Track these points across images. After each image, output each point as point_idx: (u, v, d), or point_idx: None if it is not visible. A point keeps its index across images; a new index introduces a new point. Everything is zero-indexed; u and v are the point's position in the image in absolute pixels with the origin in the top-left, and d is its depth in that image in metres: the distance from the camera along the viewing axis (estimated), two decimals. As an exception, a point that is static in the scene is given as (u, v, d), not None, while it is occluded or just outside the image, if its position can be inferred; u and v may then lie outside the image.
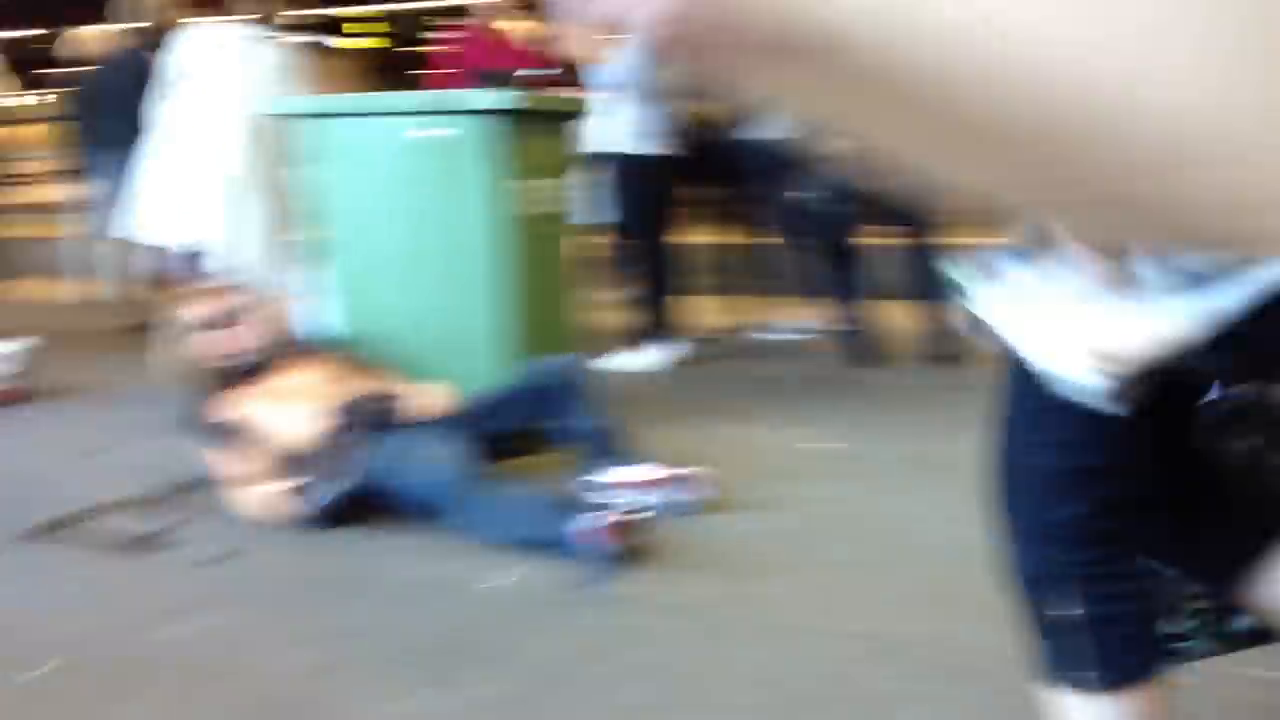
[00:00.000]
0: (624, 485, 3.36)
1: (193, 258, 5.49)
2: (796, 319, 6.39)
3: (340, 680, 2.37)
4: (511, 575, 2.92)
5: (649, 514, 3.16)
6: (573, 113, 4.36)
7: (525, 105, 3.87)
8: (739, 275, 6.87)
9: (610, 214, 5.52)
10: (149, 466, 3.96)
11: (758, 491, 3.56)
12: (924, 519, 3.31)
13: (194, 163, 5.36)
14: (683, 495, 3.36)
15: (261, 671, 2.42)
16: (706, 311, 6.84)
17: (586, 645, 2.52)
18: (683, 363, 5.70)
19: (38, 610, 2.77)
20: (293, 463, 3.50)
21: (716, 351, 6.15)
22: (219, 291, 3.82)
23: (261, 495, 3.39)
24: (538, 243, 4.05)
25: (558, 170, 4.24)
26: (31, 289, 8.92)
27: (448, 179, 3.85)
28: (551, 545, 3.02)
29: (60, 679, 2.39)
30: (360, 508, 3.34)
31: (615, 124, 5.27)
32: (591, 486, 3.41)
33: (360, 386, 3.69)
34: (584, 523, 2.98)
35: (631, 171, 5.35)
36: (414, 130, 3.81)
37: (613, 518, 2.94)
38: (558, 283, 4.27)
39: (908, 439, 4.20)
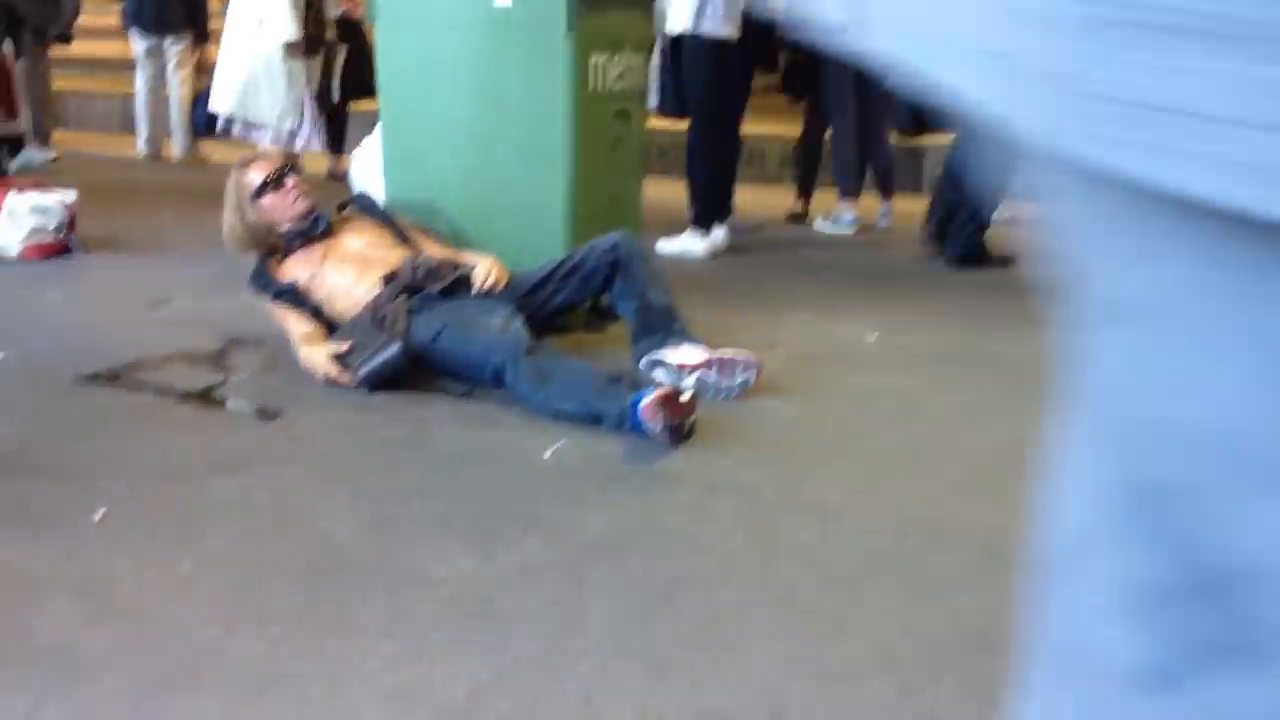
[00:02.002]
0: (678, 364, 3.36)
1: (248, 123, 5.50)
2: (852, 210, 6.33)
3: (396, 538, 2.40)
4: (560, 446, 2.94)
5: (700, 394, 3.17)
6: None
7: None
8: (798, 164, 6.79)
9: (678, 95, 5.45)
10: (206, 321, 4.00)
11: (808, 378, 3.56)
12: (978, 412, 3.31)
13: (248, 29, 5.35)
14: (733, 378, 3.36)
15: (319, 526, 2.46)
16: (765, 199, 6.79)
17: (634, 518, 2.55)
18: (738, 248, 5.67)
19: (98, 455, 2.82)
20: (346, 326, 3.53)
21: (772, 239, 6.12)
22: (277, 155, 3.81)
23: (316, 356, 3.42)
24: (610, 119, 4.00)
25: (637, 46, 4.17)
26: (89, 142, 8.95)
27: (525, 49, 3.79)
28: (602, 420, 3.04)
29: (122, 524, 2.44)
30: (412, 373, 3.36)
31: (691, 4, 5.17)
32: (646, 363, 3.41)
33: (418, 253, 3.69)
34: (635, 399, 2.98)
35: (704, 54, 5.26)
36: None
37: (664, 396, 2.94)
38: (626, 161, 4.22)
39: (962, 333, 4.18)
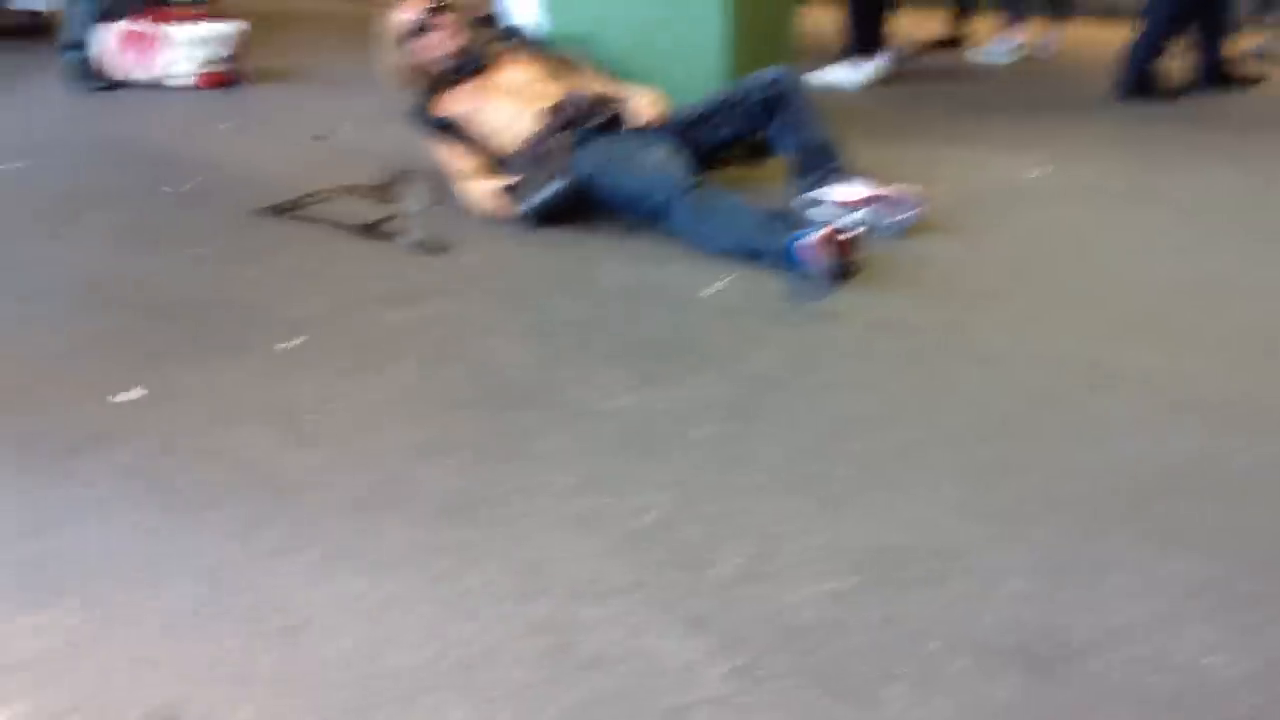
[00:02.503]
0: (840, 201, 3.34)
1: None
2: (1019, 36, 6.11)
3: (566, 373, 2.48)
4: (724, 284, 2.97)
5: (863, 231, 3.16)
6: None
7: None
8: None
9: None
10: (371, 154, 4.09)
11: (970, 215, 3.52)
12: (1148, 251, 3.24)
13: None
14: (895, 215, 3.33)
15: (494, 359, 2.55)
16: (920, 26, 6.58)
17: (801, 356, 2.58)
18: (892, 79, 5.54)
19: (279, 286, 2.94)
20: (508, 161, 3.57)
21: (927, 67, 5.96)
22: (410, 1, 3.80)
23: (479, 191, 3.48)
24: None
25: None
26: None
27: None
28: (765, 257, 3.05)
29: (308, 352, 2.56)
30: (572, 210, 3.40)
31: None
32: (807, 200, 3.40)
33: (575, 87, 3.69)
34: (801, 237, 2.99)
35: None
36: None
37: (829, 233, 2.94)
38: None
39: (1133, 169, 4.07)
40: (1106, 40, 6.68)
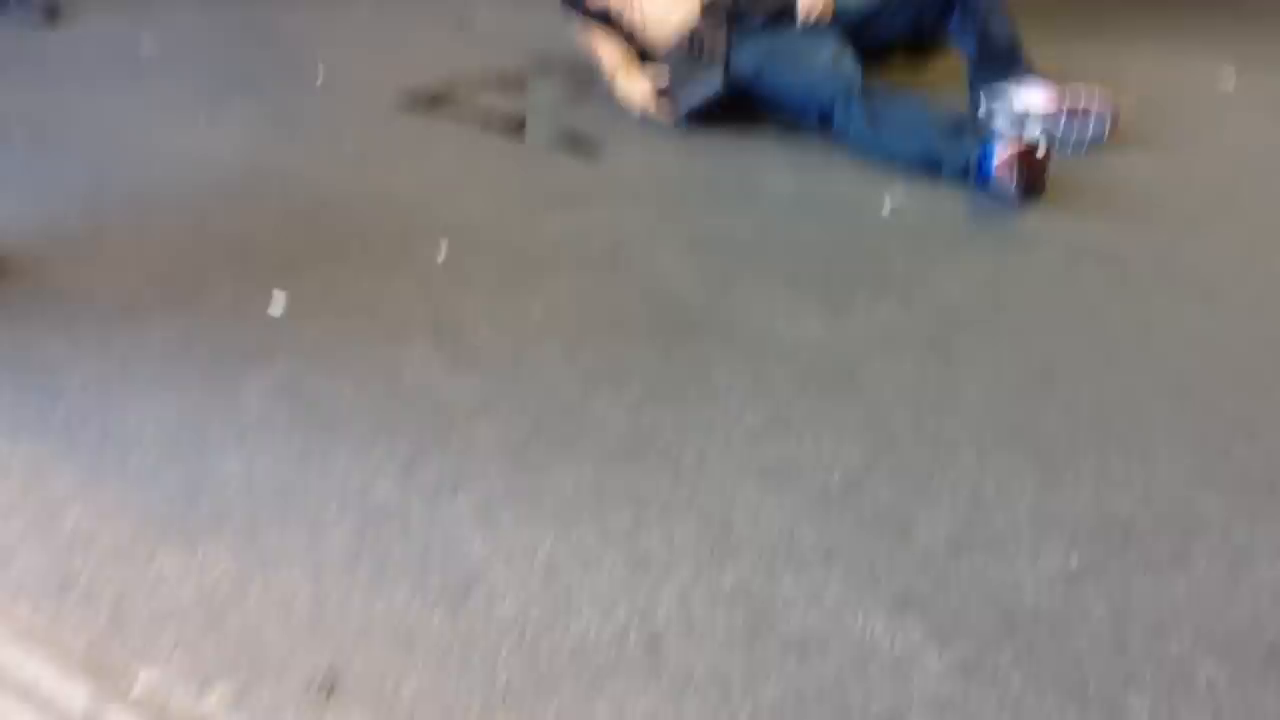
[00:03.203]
0: (1026, 108, 3.06)
1: None
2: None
3: (740, 295, 2.29)
4: (902, 197, 2.73)
5: (1054, 144, 2.89)
6: None
7: None
8: None
9: None
10: (513, 41, 3.88)
11: (1163, 127, 3.21)
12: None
13: None
14: (1086, 128, 3.05)
15: (660, 278, 2.36)
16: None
17: (993, 285, 2.36)
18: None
19: (429, 188, 2.78)
20: (663, 54, 3.34)
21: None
22: None
23: (633, 87, 3.26)
24: None
25: None
26: None
27: None
28: (948, 169, 2.81)
29: (467, 263, 2.40)
30: (732, 109, 3.17)
31: None
32: (986, 105, 3.13)
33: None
34: (988, 149, 2.73)
35: None
36: None
37: (1021, 151, 2.68)
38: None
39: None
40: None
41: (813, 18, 3.25)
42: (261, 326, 2.13)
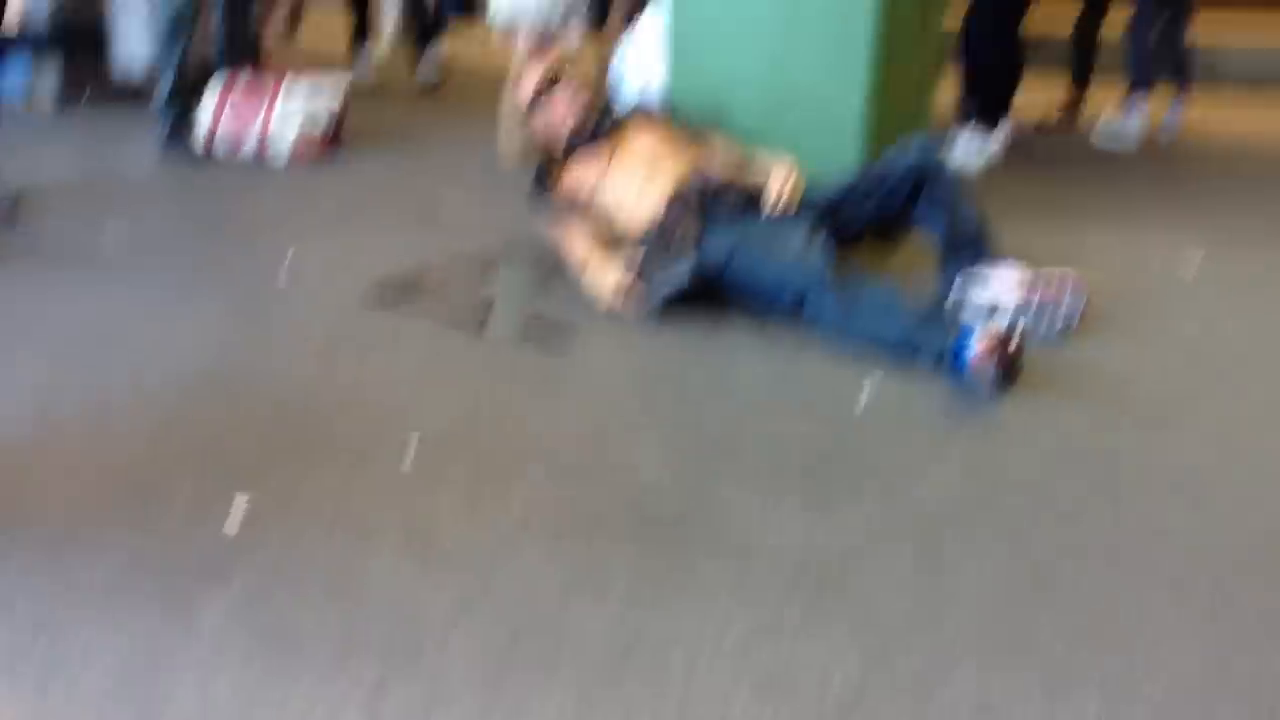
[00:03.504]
0: (997, 294, 3.06)
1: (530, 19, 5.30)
2: (1144, 108, 5.81)
3: (719, 492, 2.22)
4: (876, 386, 2.70)
5: (1027, 331, 2.88)
6: None
7: None
8: (1075, 53, 6.27)
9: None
10: (480, 231, 3.88)
11: (1133, 311, 3.22)
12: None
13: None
14: (1059, 311, 3.04)
15: (635, 473, 2.29)
16: (1048, 97, 6.31)
17: (980, 481, 2.30)
18: (1015, 151, 5.26)
19: (394, 385, 2.71)
20: (631, 242, 3.34)
21: (1049, 140, 5.67)
22: (552, 58, 3.62)
23: (601, 275, 3.24)
24: (914, 14, 3.66)
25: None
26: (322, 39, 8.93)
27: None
28: (923, 358, 2.78)
29: (438, 462, 2.32)
30: (703, 298, 3.15)
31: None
32: (956, 292, 3.13)
33: (704, 162, 3.46)
34: (964, 339, 2.72)
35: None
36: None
37: (995, 343, 2.67)
38: (928, 54, 3.88)
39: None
40: (1231, 118, 6.38)
41: (780, 205, 3.27)
42: (220, 540, 2.03)
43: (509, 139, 3.59)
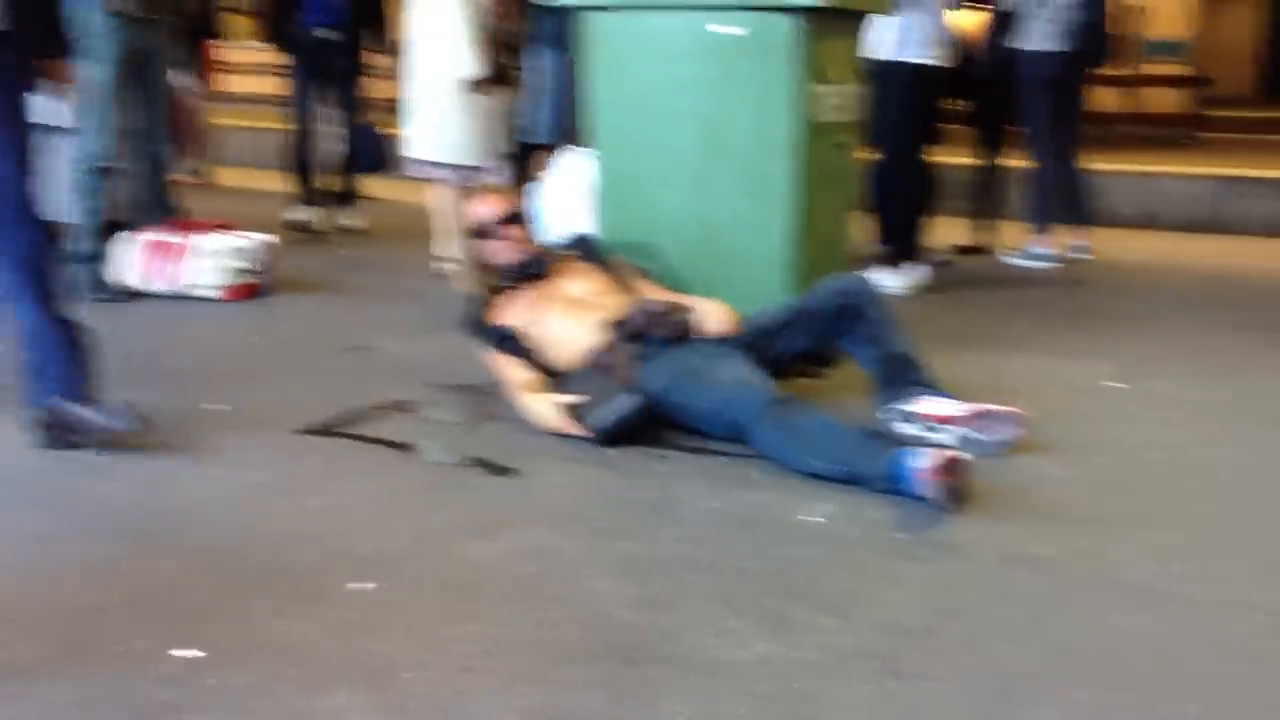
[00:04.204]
0: (932, 416, 3.11)
1: (430, 163, 5.37)
2: (1048, 242, 6.02)
3: (680, 618, 2.19)
4: (825, 510, 2.71)
5: (967, 449, 2.93)
6: (871, 12, 4.04)
7: (833, 2, 3.58)
8: (978, 193, 6.50)
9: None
10: (410, 366, 3.87)
11: (1060, 431, 3.29)
12: (1259, 471, 3.01)
13: (431, 71, 5.23)
14: (995, 434, 3.10)
15: (593, 600, 2.26)
16: (954, 232, 6.51)
17: (936, 598, 2.31)
18: (934, 286, 5.40)
19: (342, 518, 2.66)
20: (568, 375, 3.35)
21: (961, 274, 5.84)
22: (501, 199, 3.68)
23: (542, 407, 3.23)
24: (829, 151, 3.79)
25: (854, 75, 3.95)
26: (237, 178, 8.94)
27: (750, 78, 3.60)
28: (868, 480, 2.80)
29: (389, 596, 2.27)
30: (644, 425, 3.16)
31: (895, 29, 4.93)
32: (892, 416, 3.17)
33: (639, 298, 3.50)
34: (905, 459, 2.75)
35: (899, 80, 5.01)
36: (717, 25, 3.55)
37: (945, 460, 2.70)
38: (842, 197, 4.00)
39: (1219, 378, 3.87)
40: (1137, 247, 6.64)
41: (716, 333, 3.31)
42: (166, 683, 1.95)
43: (448, 264, 3.63)
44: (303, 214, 6.69)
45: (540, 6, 5.20)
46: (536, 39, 5.44)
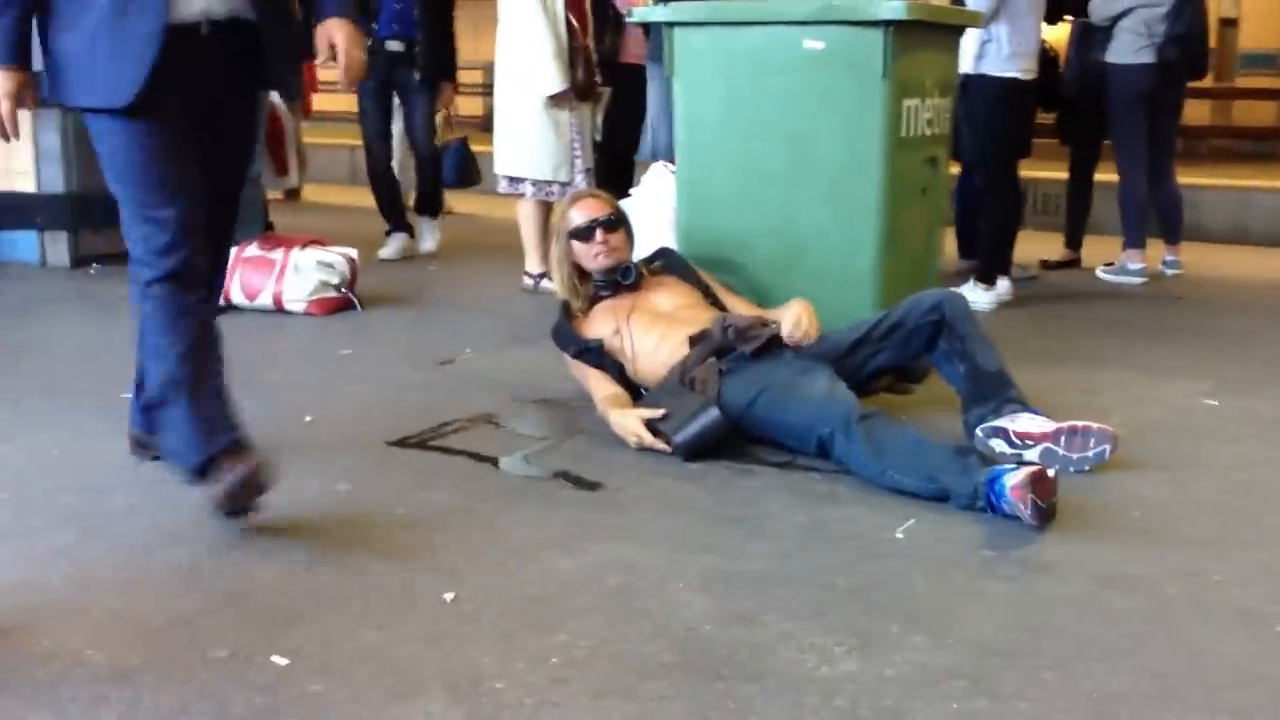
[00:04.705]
0: (1023, 434, 3.07)
1: (514, 178, 5.42)
2: (1140, 259, 5.93)
3: (765, 633, 2.18)
4: (914, 527, 2.68)
5: (1058, 467, 2.88)
6: (964, 26, 4.01)
7: (922, 16, 3.56)
8: (1070, 208, 6.42)
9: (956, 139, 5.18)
10: (498, 379, 3.90)
11: (1156, 449, 3.23)
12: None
13: (515, 86, 5.30)
14: (1086, 450, 3.05)
15: (680, 613, 2.26)
16: (1044, 247, 6.44)
17: (1024, 616, 2.27)
18: (1018, 301, 5.34)
19: (431, 529, 2.68)
20: (656, 389, 3.35)
21: (1051, 290, 5.76)
22: (602, 203, 3.67)
23: (628, 422, 3.24)
24: (920, 166, 3.76)
25: (944, 89, 3.92)
26: (328, 194, 9.12)
27: (838, 93, 3.59)
28: (957, 498, 2.78)
29: (476, 606, 2.29)
30: (728, 440, 3.16)
31: (975, 44, 4.89)
32: (982, 433, 3.14)
33: (725, 311, 3.50)
34: (998, 476, 2.71)
35: (989, 94, 4.96)
36: (809, 41, 3.54)
37: (1034, 475, 2.66)
38: (932, 212, 3.97)
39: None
40: (1228, 262, 6.50)
41: (799, 337, 3.29)
42: (262, 688, 1.98)
43: (552, 252, 3.64)
44: (393, 247, 6.52)
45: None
46: (654, 58, 5.22)
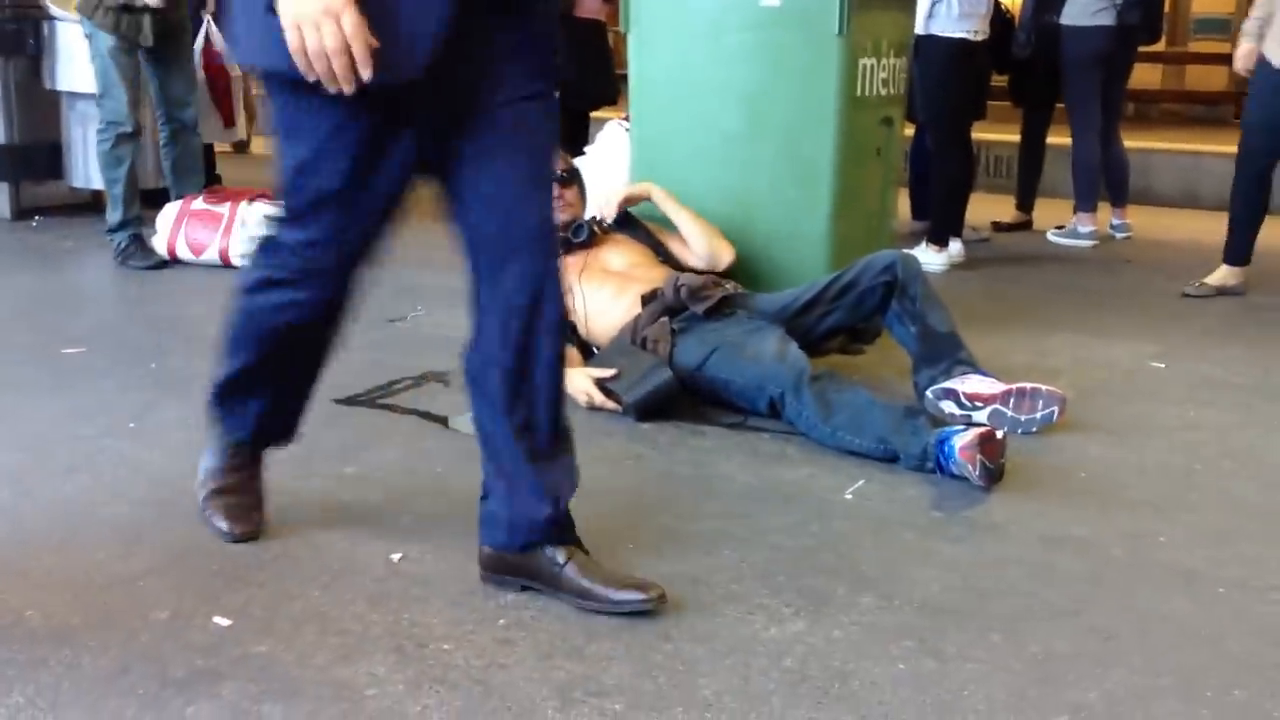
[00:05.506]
0: (972, 394, 3.08)
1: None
2: (1091, 222, 5.96)
3: (716, 595, 2.18)
4: (863, 487, 2.69)
5: (1006, 427, 2.90)
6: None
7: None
8: (1028, 172, 6.44)
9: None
10: (448, 338, 3.85)
11: (1101, 411, 3.26)
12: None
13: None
14: (1034, 412, 3.07)
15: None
16: (995, 209, 6.46)
17: (971, 577, 2.28)
18: (970, 263, 5.36)
19: (378, 488, 2.66)
20: (608, 350, 3.33)
21: (1002, 252, 5.79)
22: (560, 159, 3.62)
23: (578, 381, 3.21)
24: (874, 127, 3.75)
25: (900, 48, 3.90)
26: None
27: (793, 51, 3.56)
28: (907, 458, 2.78)
29: (423, 568, 2.27)
30: (679, 400, 3.15)
31: (931, 3, 4.87)
32: (932, 394, 3.14)
33: (678, 269, 3.48)
34: (947, 437, 2.72)
35: (941, 55, 4.95)
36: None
37: (982, 436, 2.67)
38: (886, 173, 3.96)
39: (1246, 363, 3.83)
40: (1178, 226, 6.56)
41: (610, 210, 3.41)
42: (204, 649, 1.96)
43: None
44: None
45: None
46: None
